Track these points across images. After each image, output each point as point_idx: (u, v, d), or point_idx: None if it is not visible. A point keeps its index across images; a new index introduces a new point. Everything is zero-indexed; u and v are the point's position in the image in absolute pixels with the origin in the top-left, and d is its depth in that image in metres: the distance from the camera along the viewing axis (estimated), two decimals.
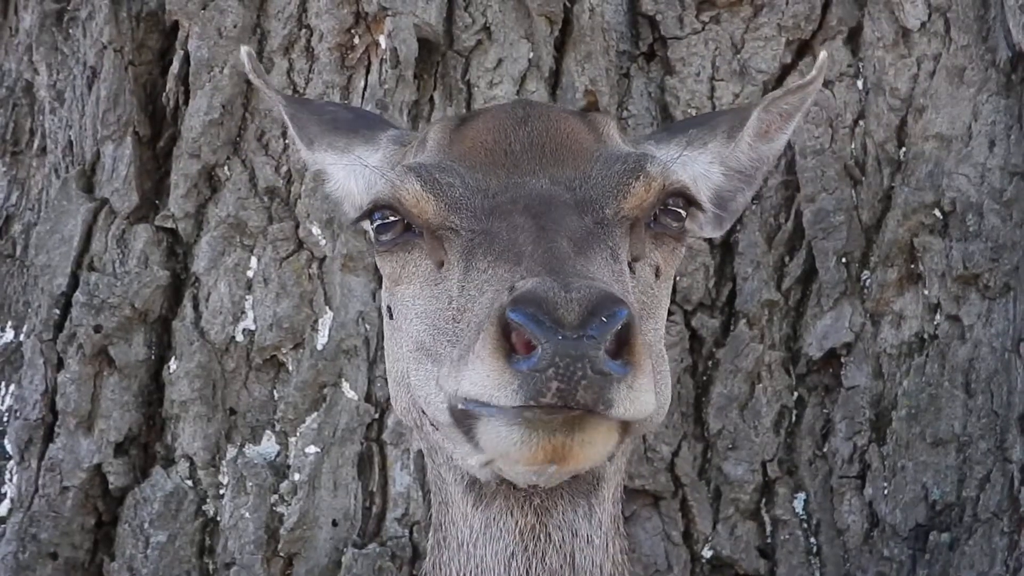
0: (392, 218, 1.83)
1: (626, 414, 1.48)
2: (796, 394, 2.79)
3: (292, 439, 2.75)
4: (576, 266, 1.60)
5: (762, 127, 2.19)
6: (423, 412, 1.78)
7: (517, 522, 1.79)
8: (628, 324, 1.46)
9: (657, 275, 1.87)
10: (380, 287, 2.70)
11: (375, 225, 1.85)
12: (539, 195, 1.74)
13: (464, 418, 1.56)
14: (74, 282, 2.79)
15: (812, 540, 2.75)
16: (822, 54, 2.28)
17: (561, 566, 1.80)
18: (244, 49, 2.29)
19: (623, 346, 1.46)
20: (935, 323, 2.76)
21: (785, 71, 2.80)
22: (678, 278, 2.66)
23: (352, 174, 2.14)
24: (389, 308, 1.89)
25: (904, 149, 2.79)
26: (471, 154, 1.85)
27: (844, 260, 2.77)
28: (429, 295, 1.76)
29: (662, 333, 1.93)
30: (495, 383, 1.47)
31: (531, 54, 2.76)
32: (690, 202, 1.89)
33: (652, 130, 2.69)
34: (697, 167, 2.13)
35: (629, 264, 1.79)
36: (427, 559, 1.99)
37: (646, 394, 1.50)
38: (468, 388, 1.51)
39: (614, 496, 1.91)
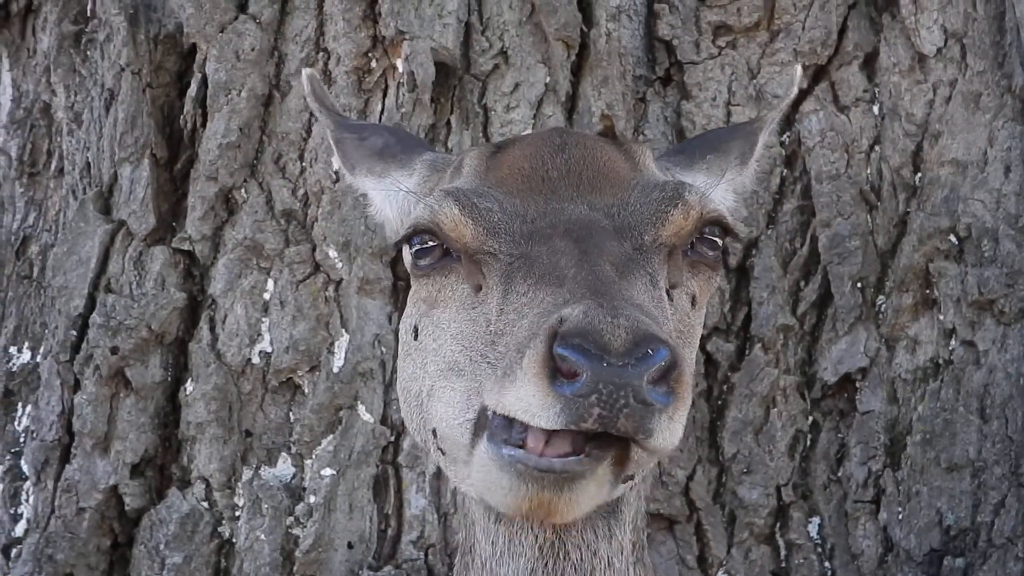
0: (431, 243, 1.83)
1: (665, 444, 1.49)
2: (811, 419, 2.80)
3: (308, 461, 2.75)
4: (620, 290, 1.61)
5: None
6: (433, 434, 1.79)
7: (536, 537, 1.80)
8: (674, 363, 1.48)
9: (693, 304, 1.87)
10: (396, 310, 2.73)
11: (414, 249, 1.85)
12: (578, 220, 1.75)
13: (478, 429, 1.58)
14: (91, 303, 2.80)
15: (826, 564, 2.76)
16: (797, 68, 2.31)
17: None
18: (306, 72, 2.28)
19: (670, 372, 1.47)
20: (950, 348, 2.76)
21: (802, 96, 2.80)
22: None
23: (388, 199, 2.14)
24: (416, 328, 1.88)
25: (920, 174, 2.80)
26: (508, 180, 1.85)
27: (859, 285, 2.77)
28: (466, 318, 1.76)
29: (693, 363, 1.94)
30: (539, 404, 1.48)
31: (548, 78, 2.77)
32: (726, 231, 1.90)
33: (662, 150, 2.69)
34: (717, 194, 2.13)
35: (667, 291, 1.79)
36: None
37: (680, 424, 1.51)
38: (511, 403, 1.52)
39: (635, 521, 1.91)
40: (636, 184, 1.84)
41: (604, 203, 1.80)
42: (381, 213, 2.19)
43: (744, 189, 2.23)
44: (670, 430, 1.48)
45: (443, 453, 1.78)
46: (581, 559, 1.80)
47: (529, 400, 1.48)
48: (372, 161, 2.15)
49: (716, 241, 1.88)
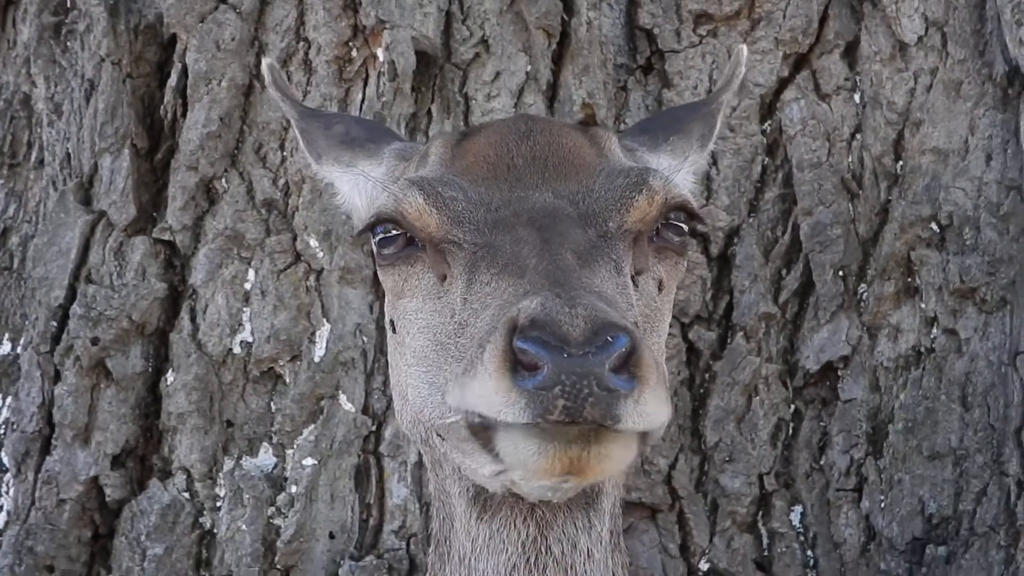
0: (394, 232, 1.83)
1: (636, 426, 1.48)
2: (793, 407, 2.80)
3: (289, 451, 2.75)
4: (581, 279, 1.60)
5: None
6: (429, 424, 1.78)
7: (520, 533, 1.79)
8: (633, 349, 1.47)
9: (660, 288, 1.87)
10: (379, 300, 2.73)
11: (377, 239, 1.85)
12: (542, 208, 1.75)
13: (482, 429, 1.56)
14: (71, 294, 2.79)
15: (809, 553, 2.75)
16: (742, 48, 2.29)
17: None
18: (266, 61, 2.28)
19: (630, 357, 1.47)
20: (932, 336, 2.76)
21: (783, 84, 2.81)
22: (676, 291, 2.67)
23: (356, 188, 2.14)
24: (392, 322, 1.88)
25: (901, 163, 2.80)
26: (473, 168, 1.85)
27: (841, 273, 2.77)
28: (432, 309, 1.76)
29: (663, 346, 1.94)
30: (502, 400, 1.47)
31: (529, 67, 2.77)
32: (691, 216, 1.90)
33: (624, 128, 2.68)
34: (680, 178, 2.13)
35: (632, 278, 1.79)
36: (427, 574, 1.99)
37: (655, 404, 1.49)
38: (475, 402, 1.51)
39: (612, 510, 1.91)
40: (601, 170, 1.84)
41: (569, 190, 1.79)
42: (349, 202, 2.18)
43: (702, 170, 2.26)
44: (639, 412, 1.47)
45: (442, 439, 1.77)
46: (563, 552, 1.79)
47: (492, 396, 1.48)
48: (339, 150, 2.15)
49: (681, 227, 1.88)
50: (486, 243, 1.71)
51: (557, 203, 1.76)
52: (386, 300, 1.93)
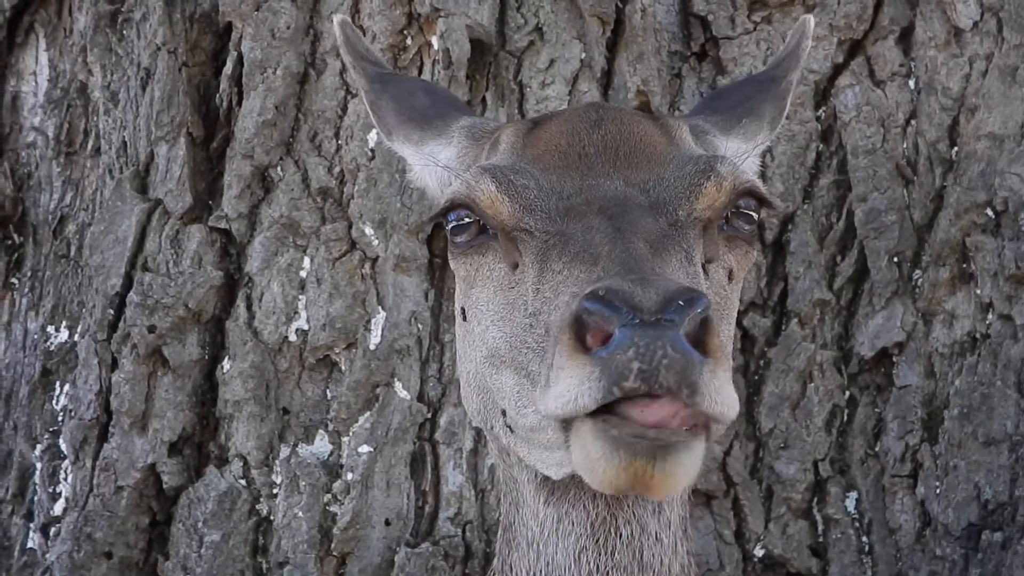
0: (467, 219, 1.83)
1: (712, 407, 1.45)
2: (848, 393, 2.79)
3: (345, 439, 2.76)
4: (653, 267, 1.61)
5: None
6: (503, 414, 1.78)
7: (589, 513, 1.79)
8: (707, 318, 1.46)
9: (730, 278, 1.88)
10: (432, 287, 2.74)
11: (451, 226, 1.86)
12: (614, 197, 1.75)
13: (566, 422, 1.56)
14: (128, 282, 2.81)
15: (864, 539, 2.75)
16: (808, 18, 2.30)
17: (630, 562, 1.80)
18: (338, 18, 2.26)
19: (702, 327, 1.46)
20: (987, 322, 2.75)
21: (837, 71, 2.80)
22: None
23: (427, 168, 2.15)
24: (463, 310, 1.89)
25: (956, 148, 2.79)
26: (545, 156, 1.86)
27: (896, 259, 2.77)
28: (503, 299, 1.77)
29: (732, 338, 1.94)
30: (577, 379, 1.46)
31: (583, 55, 2.77)
32: (761, 202, 1.90)
33: (696, 105, 2.67)
34: (748, 162, 2.14)
35: (703, 266, 1.79)
36: (496, 560, 1.99)
37: (728, 386, 1.48)
38: (553, 405, 1.50)
39: (682, 498, 1.91)
40: (672, 159, 1.84)
41: (640, 178, 1.80)
42: (421, 180, 2.20)
43: (766, 149, 2.28)
44: (714, 386, 1.45)
45: (511, 431, 1.78)
46: (631, 535, 1.80)
47: (569, 382, 1.47)
48: (409, 128, 2.15)
49: (752, 215, 1.88)
50: (558, 231, 1.72)
51: (628, 191, 1.77)
52: (457, 289, 1.94)
